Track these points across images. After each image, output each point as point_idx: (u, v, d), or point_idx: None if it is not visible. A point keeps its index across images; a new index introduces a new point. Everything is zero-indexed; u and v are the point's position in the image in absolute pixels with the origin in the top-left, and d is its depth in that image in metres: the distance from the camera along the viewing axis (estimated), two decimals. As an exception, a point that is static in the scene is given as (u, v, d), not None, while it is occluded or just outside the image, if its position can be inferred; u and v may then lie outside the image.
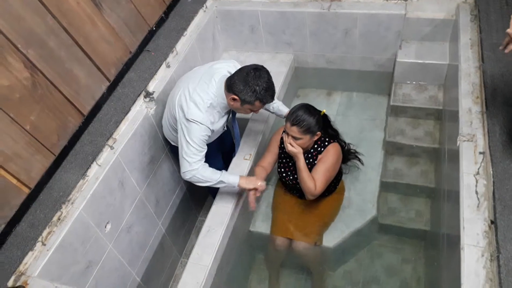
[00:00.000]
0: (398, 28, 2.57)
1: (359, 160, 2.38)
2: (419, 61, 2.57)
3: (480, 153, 1.69)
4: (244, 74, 1.79)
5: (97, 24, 2.17)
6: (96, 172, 1.88)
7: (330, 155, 2.06)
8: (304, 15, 2.64)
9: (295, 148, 1.96)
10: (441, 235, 1.98)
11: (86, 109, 2.06)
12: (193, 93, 1.87)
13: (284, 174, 2.21)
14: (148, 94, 2.22)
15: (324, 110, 2.05)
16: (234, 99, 1.83)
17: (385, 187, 2.47)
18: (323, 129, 2.09)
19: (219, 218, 2.03)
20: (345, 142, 2.28)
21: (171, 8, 2.71)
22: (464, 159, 1.70)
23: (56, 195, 1.76)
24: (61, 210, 1.72)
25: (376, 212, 2.32)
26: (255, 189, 2.01)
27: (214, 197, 2.19)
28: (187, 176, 1.92)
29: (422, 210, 2.41)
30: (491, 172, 1.59)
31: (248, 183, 1.98)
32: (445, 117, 2.46)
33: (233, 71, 1.91)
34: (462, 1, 2.45)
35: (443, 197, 2.08)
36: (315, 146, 2.10)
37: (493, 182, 1.56)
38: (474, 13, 2.35)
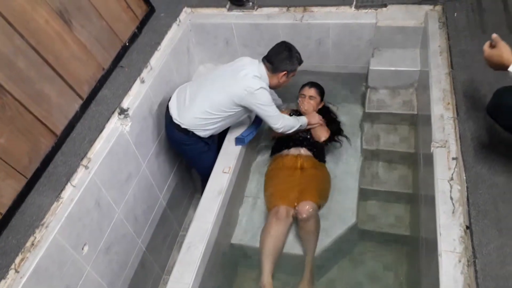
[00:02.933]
0: (370, 37, 2.61)
1: (346, 138, 2.66)
2: (392, 68, 2.62)
3: (453, 158, 1.72)
4: (282, 52, 2.23)
5: (68, 42, 2.14)
6: (71, 193, 1.83)
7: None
8: (277, 26, 2.66)
9: (310, 107, 2.59)
10: (420, 240, 2.01)
11: (59, 129, 2.01)
12: (246, 74, 2.19)
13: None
14: (122, 111, 2.19)
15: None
16: (283, 74, 2.24)
17: (364, 194, 2.49)
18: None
19: (200, 234, 2.01)
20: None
21: (144, 23, 2.69)
22: (438, 164, 1.73)
23: (29, 219, 1.71)
24: (34, 235, 1.67)
25: (356, 219, 2.34)
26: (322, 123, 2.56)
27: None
28: (280, 127, 2.31)
29: (402, 216, 2.44)
30: (464, 177, 1.63)
31: (314, 120, 2.53)
32: (419, 122, 2.51)
33: (252, 60, 2.32)
34: (430, 9, 2.51)
35: (421, 202, 2.11)
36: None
37: (467, 187, 1.59)
38: (442, 21, 2.41)
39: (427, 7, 2.52)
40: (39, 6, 2.01)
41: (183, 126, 2.28)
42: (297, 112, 2.68)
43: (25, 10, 1.93)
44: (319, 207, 2.33)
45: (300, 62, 2.30)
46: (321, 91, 2.62)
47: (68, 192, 1.83)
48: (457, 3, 2.44)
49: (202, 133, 2.32)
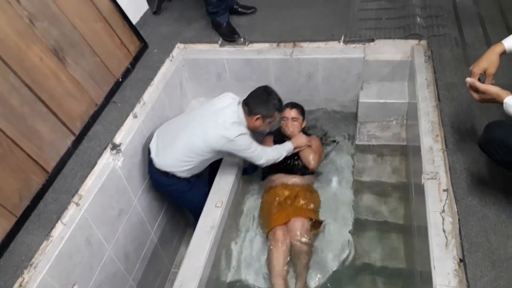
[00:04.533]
0: (358, 71, 2.68)
1: (335, 141, 2.84)
2: (381, 101, 2.67)
3: (444, 190, 1.74)
4: (259, 96, 2.22)
5: (62, 79, 2.16)
6: (61, 231, 1.80)
7: (316, 140, 2.66)
8: (268, 61, 2.72)
9: (295, 130, 2.54)
10: (416, 272, 1.99)
11: (50, 165, 2.00)
12: (224, 120, 2.14)
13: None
14: (115, 146, 2.19)
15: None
16: (257, 118, 2.20)
17: (358, 225, 2.48)
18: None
19: (192, 272, 1.98)
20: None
21: (137, 59, 2.74)
22: (429, 196, 1.74)
23: (17, 259, 1.67)
24: (22, 276, 1.63)
25: (352, 252, 2.32)
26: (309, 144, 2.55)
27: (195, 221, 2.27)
28: (264, 162, 2.31)
29: (396, 247, 2.42)
30: (456, 209, 1.64)
31: (300, 141, 2.50)
32: (409, 153, 2.54)
33: (233, 100, 2.25)
34: (416, 43, 2.59)
35: (414, 233, 2.11)
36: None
37: (459, 219, 1.60)
38: (427, 54, 2.48)
39: (413, 42, 2.61)
40: (34, 44, 2.05)
41: (162, 169, 2.25)
42: (280, 134, 2.66)
43: (19, 49, 1.97)
44: (313, 223, 2.36)
45: (278, 109, 2.26)
46: (302, 110, 2.63)
47: (58, 230, 1.80)
48: (441, 38, 2.53)
49: (182, 174, 2.28)
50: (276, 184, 2.55)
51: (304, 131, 2.69)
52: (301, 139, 2.51)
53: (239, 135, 2.12)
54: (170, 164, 2.24)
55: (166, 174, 2.26)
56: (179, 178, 2.28)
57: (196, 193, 2.42)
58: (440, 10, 2.77)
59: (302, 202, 2.44)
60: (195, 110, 2.37)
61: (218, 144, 2.14)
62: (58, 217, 1.82)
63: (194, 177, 2.36)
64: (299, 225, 2.30)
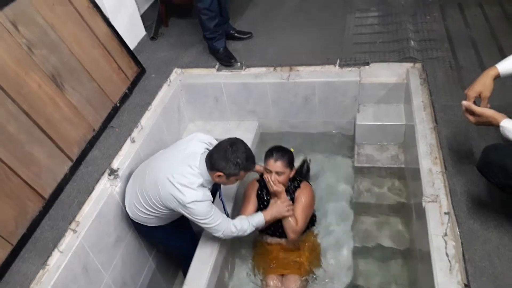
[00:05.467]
0: (355, 93, 2.70)
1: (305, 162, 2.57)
2: (378, 123, 2.68)
3: (445, 213, 1.73)
4: (222, 151, 1.85)
5: (59, 105, 2.17)
6: (58, 259, 1.76)
7: (305, 194, 2.23)
8: (265, 85, 2.75)
9: (279, 188, 2.12)
10: (419, 298, 1.96)
11: (47, 192, 1.98)
12: (180, 177, 1.86)
13: None
14: (112, 172, 2.17)
15: (292, 149, 2.23)
16: (219, 176, 1.87)
17: (359, 251, 2.45)
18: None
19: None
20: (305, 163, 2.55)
21: (135, 84, 2.75)
22: (431, 220, 1.73)
23: (12, 290, 1.64)
24: (18, 306, 1.59)
25: (353, 277, 2.28)
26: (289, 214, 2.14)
27: (185, 275, 2.09)
28: (222, 236, 1.99)
29: (398, 273, 2.38)
30: (458, 233, 1.63)
31: (277, 213, 2.12)
32: (408, 175, 2.53)
33: (209, 147, 1.99)
34: (410, 66, 2.63)
35: (416, 257, 2.09)
36: (291, 185, 2.26)
37: (462, 243, 1.58)
38: (423, 77, 2.51)
39: (407, 65, 2.64)
40: (32, 71, 2.06)
41: (131, 216, 2.12)
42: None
43: (18, 76, 1.98)
44: (305, 278, 2.23)
45: (243, 168, 1.87)
46: (289, 161, 2.15)
47: (55, 258, 1.76)
48: (436, 61, 2.57)
49: (152, 223, 2.10)
50: (267, 241, 2.34)
51: (299, 172, 2.41)
52: (279, 209, 2.12)
53: (193, 201, 1.83)
54: (134, 213, 2.08)
55: (137, 223, 2.13)
56: (151, 227, 2.12)
57: (177, 240, 2.22)
58: (433, 34, 2.82)
59: (296, 258, 2.26)
60: (160, 154, 2.11)
61: (172, 205, 1.89)
62: (55, 245, 1.79)
63: (170, 224, 2.13)
64: (291, 284, 2.17)
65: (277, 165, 2.10)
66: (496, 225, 1.62)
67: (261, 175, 2.24)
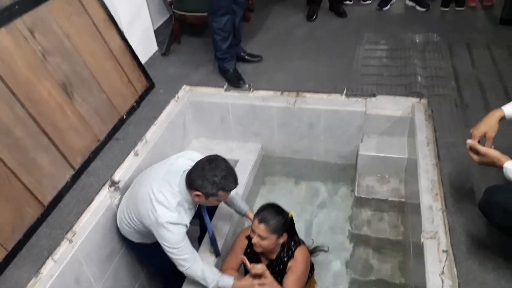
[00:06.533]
0: (359, 123, 2.72)
1: (325, 250, 2.28)
2: (380, 155, 2.69)
3: (444, 251, 1.72)
4: (200, 169, 1.75)
5: (67, 113, 2.19)
6: (51, 268, 1.75)
7: (299, 263, 1.97)
8: (271, 109, 2.77)
9: (258, 270, 1.84)
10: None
11: (47, 199, 1.98)
12: (158, 194, 1.79)
13: None
14: (113, 183, 2.18)
15: (292, 212, 1.99)
16: (197, 195, 1.77)
17: (356, 283, 2.42)
18: (290, 232, 2.00)
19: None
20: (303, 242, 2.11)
21: (143, 98, 2.78)
22: (429, 257, 1.72)
23: (3, 296, 1.62)
24: (7, 313, 1.57)
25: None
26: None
27: None
28: (184, 273, 1.89)
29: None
30: (456, 272, 1.61)
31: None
32: (407, 209, 2.53)
33: (186, 164, 1.89)
34: (416, 101, 2.66)
35: (411, 293, 2.06)
36: (283, 252, 2.00)
37: (458, 283, 1.57)
38: (428, 113, 2.54)
39: (413, 99, 2.67)
40: (44, 79, 2.09)
41: (119, 228, 2.08)
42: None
43: (30, 81, 2.01)
44: None
45: (222, 188, 1.74)
46: (276, 226, 1.86)
47: (48, 267, 1.75)
48: (442, 97, 2.60)
49: (135, 240, 2.06)
50: None
51: (290, 242, 2.03)
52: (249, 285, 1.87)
53: (166, 222, 1.74)
54: (121, 226, 2.04)
55: (124, 236, 2.09)
56: (135, 243, 2.07)
57: (160, 261, 1.99)
58: (441, 71, 2.86)
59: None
60: (151, 168, 2.06)
61: (146, 222, 1.82)
62: (50, 253, 1.78)
63: (156, 243, 1.91)
64: None
65: (260, 227, 1.85)
66: (494, 267, 1.61)
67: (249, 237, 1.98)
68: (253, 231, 1.90)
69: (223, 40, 2.81)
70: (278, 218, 1.88)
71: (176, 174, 1.84)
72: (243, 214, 2.18)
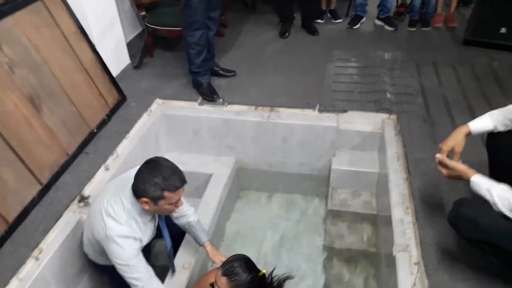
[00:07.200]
0: (332, 138, 2.77)
1: (291, 278, 1.89)
2: (352, 169, 2.74)
3: (415, 263, 1.75)
4: (140, 174, 1.64)
5: (34, 126, 2.12)
6: (15, 288, 1.67)
7: None
8: (245, 123, 2.78)
9: None
10: None
11: (11, 215, 1.90)
12: (107, 207, 1.69)
13: None
14: (83, 198, 2.11)
15: (264, 271, 1.75)
16: (145, 202, 1.65)
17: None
18: None
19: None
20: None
21: (114, 111, 2.73)
22: (401, 269, 1.75)
23: (-39, 320, 1.52)
24: None
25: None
26: None
27: None
28: None
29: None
30: (427, 284, 1.65)
31: None
32: (380, 222, 2.57)
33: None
34: (386, 117, 2.73)
35: (384, 306, 2.09)
36: None
37: (430, 295, 1.60)
38: (397, 128, 2.61)
39: (383, 115, 2.74)
40: (10, 91, 2.02)
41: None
42: None
43: (-5, 94, 1.93)
44: None
45: (166, 188, 1.62)
46: (239, 285, 1.64)
47: (13, 287, 1.67)
48: (410, 114, 2.68)
49: (100, 262, 1.94)
50: None
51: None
52: None
53: (116, 235, 1.65)
54: (84, 245, 1.95)
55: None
56: (99, 265, 1.97)
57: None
58: (409, 88, 2.96)
59: None
60: (112, 180, 1.99)
61: (97, 236, 1.72)
62: (14, 272, 1.70)
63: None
64: None
65: (222, 280, 1.65)
66: (464, 278, 1.65)
67: None
68: (215, 281, 1.70)
69: (198, 54, 2.81)
70: (243, 275, 1.65)
71: (127, 185, 1.72)
72: (200, 245, 2.04)
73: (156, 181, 1.60)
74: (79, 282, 2.05)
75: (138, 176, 1.64)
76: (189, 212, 2.01)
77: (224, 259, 1.82)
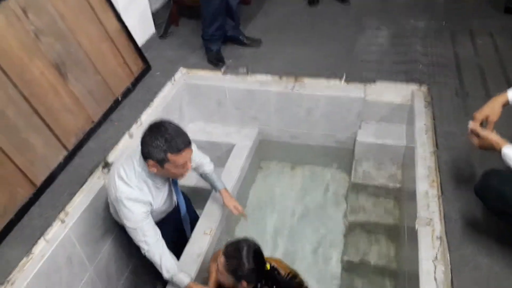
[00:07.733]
0: (358, 110, 2.69)
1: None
2: (378, 142, 2.67)
3: (437, 238, 1.71)
4: (144, 137, 1.63)
5: (61, 94, 2.16)
6: (43, 248, 1.74)
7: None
8: (269, 93, 2.74)
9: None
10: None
11: (39, 179, 1.96)
12: (120, 170, 1.71)
13: None
14: (106, 165, 2.16)
15: (269, 265, 1.65)
16: (152, 165, 1.64)
17: (348, 268, 2.42)
18: (269, 286, 1.68)
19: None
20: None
21: (139, 80, 2.75)
22: (422, 243, 1.71)
23: (-6, 275, 1.61)
24: (-3, 291, 1.57)
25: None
26: None
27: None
28: (144, 253, 1.78)
29: (384, 292, 2.37)
30: (449, 258, 1.60)
31: None
32: (404, 195, 2.51)
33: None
34: (416, 88, 2.62)
35: (404, 279, 2.06)
36: None
37: (451, 269, 1.56)
38: (427, 100, 2.50)
39: (413, 86, 2.63)
40: (37, 58, 2.05)
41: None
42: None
43: (22, 61, 1.98)
44: None
45: (169, 149, 1.59)
46: (233, 269, 1.57)
47: (40, 247, 1.74)
48: (442, 85, 2.56)
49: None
50: None
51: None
52: None
53: (125, 198, 1.67)
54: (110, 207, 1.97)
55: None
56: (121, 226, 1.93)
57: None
58: (442, 59, 2.82)
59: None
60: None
61: (111, 197, 1.78)
62: (42, 233, 1.77)
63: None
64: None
65: (220, 259, 1.61)
66: (488, 253, 1.60)
67: None
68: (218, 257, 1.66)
69: (210, 23, 2.78)
70: (242, 260, 1.55)
71: (139, 149, 1.71)
72: (216, 191, 2.14)
73: (158, 143, 1.59)
74: (104, 244, 2.12)
75: (143, 139, 1.64)
76: (204, 161, 2.04)
77: (237, 205, 1.98)
